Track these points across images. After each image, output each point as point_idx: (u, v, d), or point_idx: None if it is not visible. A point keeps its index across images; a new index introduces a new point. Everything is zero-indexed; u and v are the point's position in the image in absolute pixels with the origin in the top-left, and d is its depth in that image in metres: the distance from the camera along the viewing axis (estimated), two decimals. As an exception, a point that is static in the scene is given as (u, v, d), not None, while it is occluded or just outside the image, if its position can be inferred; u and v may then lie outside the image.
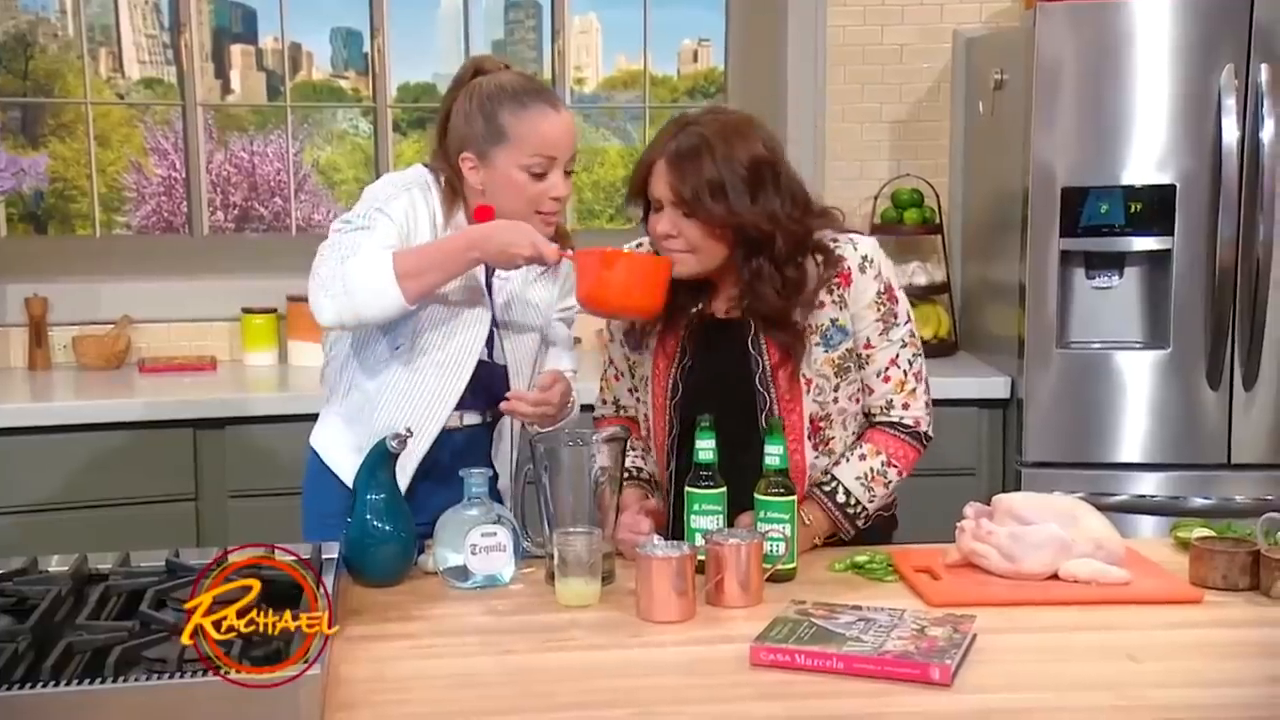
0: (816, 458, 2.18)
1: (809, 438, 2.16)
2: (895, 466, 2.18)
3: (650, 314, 2.12)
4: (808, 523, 2.13)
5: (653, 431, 2.25)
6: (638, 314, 2.13)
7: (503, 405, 2.20)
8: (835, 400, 2.17)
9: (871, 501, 2.17)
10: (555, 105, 2.19)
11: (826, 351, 2.15)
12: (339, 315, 2.08)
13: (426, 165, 2.27)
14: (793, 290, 2.11)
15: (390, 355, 2.21)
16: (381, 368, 2.22)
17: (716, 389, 2.16)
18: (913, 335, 2.21)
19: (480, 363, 2.22)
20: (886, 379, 2.18)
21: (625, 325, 2.27)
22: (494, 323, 2.24)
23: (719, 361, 2.17)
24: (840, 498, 2.15)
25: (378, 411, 2.21)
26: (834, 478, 2.16)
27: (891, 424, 2.19)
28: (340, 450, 2.26)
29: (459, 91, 2.22)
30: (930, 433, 2.22)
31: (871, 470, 2.17)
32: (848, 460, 2.18)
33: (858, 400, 2.21)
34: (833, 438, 2.19)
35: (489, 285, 2.24)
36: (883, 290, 2.16)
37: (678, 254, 2.11)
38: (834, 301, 2.14)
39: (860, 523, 2.17)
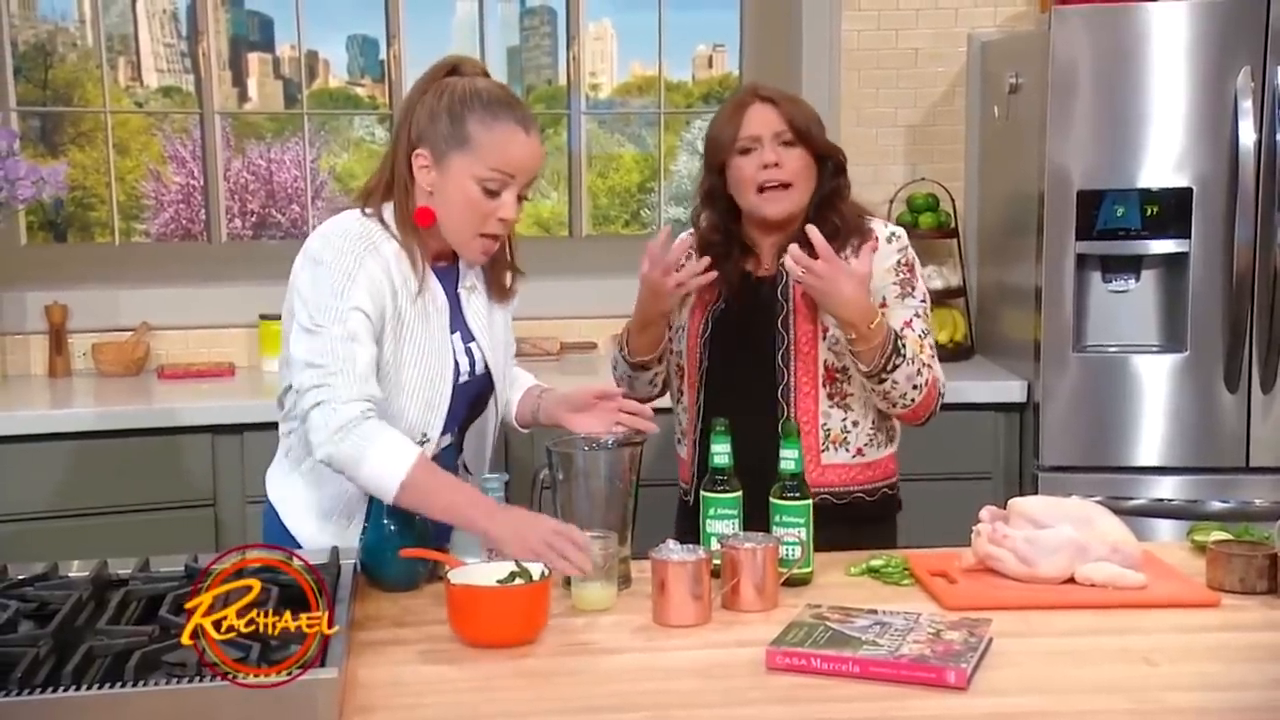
0: (831, 407, 2.32)
1: (823, 385, 2.33)
2: (929, 377, 2.29)
3: (526, 641, 1.79)
4: (874, 326, 2.20)
5: (685, 370, 2.43)
6: (512, 645, 1.78)
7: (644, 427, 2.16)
8: (849, 354, 2.28)
9: (909, 364, 2.25)
10: (527, 125, 2.05)
11: None
12: (330, 460, 1.97)
13: (364, 213, 2.11)
14: (858, 217, 2.40)
15: None
16: None
17: (743, 327, 2.36)
18: (927, 316, 2.37)
19: (465, 383, 2.14)
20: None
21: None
22: (470, 338, 2.16)
23: (749, 306, 2.36)
24: (900, 343, 2.25)
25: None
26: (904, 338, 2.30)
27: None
28: (303, 514, 2.15)
29: (429, 86, 2.08)
30: (944, 395, 2.35)
31: (915, 356, 2.27)
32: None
33: None
34: (850, 394, 2.33)
35: (457, 299, 2.16)
36: (904, 262, 2.36)
37: (778, 188, 2.34)
38: (855, 252, 2.29)
39: (889, 368, 2.23)
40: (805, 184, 2.36)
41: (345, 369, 1.97)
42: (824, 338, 2.32)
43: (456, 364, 2.13)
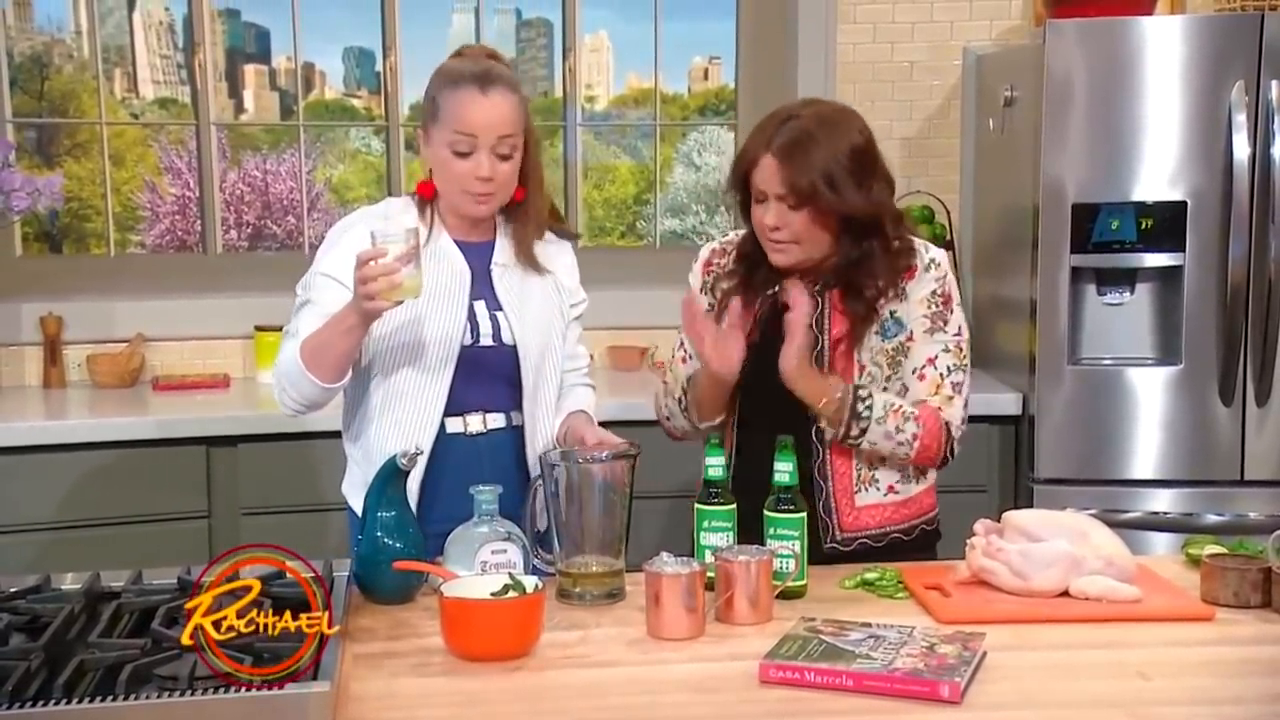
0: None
1: None
2: (917, 428, 2.18)
3: (520, 655, 1.77)
4: (829, 380, 2.18)
5: None
6: (505, 658, 1.76)
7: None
8: (885, 389, 2.23)
9: (879, 425, 2.17)
10: (485, 88, 2.16)
11: (883, 341, 2.22)
12: (288, 406, 2.19)
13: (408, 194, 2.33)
14: (895, 266, 2.21)
15: (369, 382, 2.23)
16: (370, 398, 2.24)
17: (777, 365, 2.18)
18: (960, 349, 2.25)
19: (483, 347, 2.22)
20: (921, 377, 2.23)
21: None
22: (498, 307, 2.25)
23: (781, 340, 2.20)
24: (863, 393, 2.17)
25: (374, 440, 2.22)
26: (873, 393, 2.19)
27: (936, 408, 2.22)
28: (360, 496, 2.19)
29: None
30: (956, 448, 2.25)
31: (901, 408, 2.19)
32: (889, 392, 2.23)
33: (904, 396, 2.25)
34: None
35: (489, 273, 2.27)
36: (939, 292, 2.23)
37: (783, 245, 2.20)
38: (896, 294, 2.22)
39: (854, 434, 2.17)
40: (816, 240, 2.19)
41: (292, 335, 2.17)
42: (859, 376, 2.22)
43: (476, 326, 2.22)
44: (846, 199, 2.15)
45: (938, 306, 2.23)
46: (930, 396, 2.22)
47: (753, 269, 2.29)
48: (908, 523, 2.29)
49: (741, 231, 2.36)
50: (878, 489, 2.26)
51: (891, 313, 2.22)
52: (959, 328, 2.25)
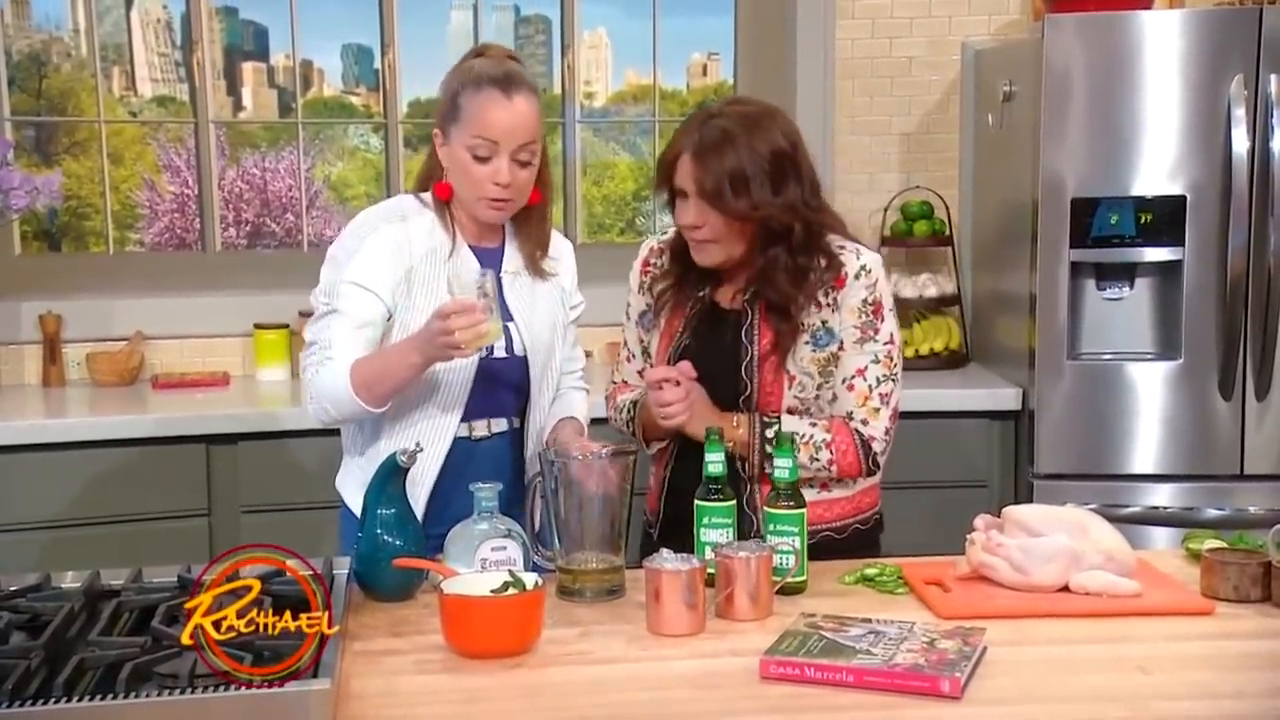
0: None
1: None
2: (831, 454, 2.19)
3: (520, 652, 1.77)
4: (735, 424, 2.18)
5: None
6: (505, 655, 1.76)
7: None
8: (817, 398, 2.22)
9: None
10: (509, 92, 2.13)
11: (814, 351, 2.21)
12: (325, 420, 2.19)
13: (411, 192, 2.31)
14: (802, 279, 2.18)
15: None
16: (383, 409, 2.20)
17: (705, 371, 2.20)
18: (891, 359, 2.23)
19: (497, 359, 2.21)
20: (850, 388, 2.21)
21: (641, 307, 2.36)
22: (509, 317, 2.23)
23: (712, 346, 2.24)
24: (769, 434, 2.17)
25: (383, 451, 2.17)
26: (779, 420, 2.19)
27: (854, 427, 2.21)
28: (359, 494, 2.18)
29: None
30: (880, 461, 2.23)
31: (810, 437, 2.19)
32: (801, 419, 2.21)
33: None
34: None
35: (499, 281, 2.24)
36: (870, 301, 2.20)
37: (702, 243, 2.19)
38: (828, 304, 2.20)
39: (770, 470, 2.14)
40: (735, 239, 2.18)
41: (325, 348, 2.15)
42: (789, 387, 2.21)
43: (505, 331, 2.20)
44: (757, 202, 2.13)
45: (868, 316, 2.20)
46: (858, 408, 2.21)
47: (686, 269, 2.27)
48: (841, 521, 2.27)
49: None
50: (811, 486, 2.22)
51: (823, 322, 2.20)
52: (890, 335, 2.22)
